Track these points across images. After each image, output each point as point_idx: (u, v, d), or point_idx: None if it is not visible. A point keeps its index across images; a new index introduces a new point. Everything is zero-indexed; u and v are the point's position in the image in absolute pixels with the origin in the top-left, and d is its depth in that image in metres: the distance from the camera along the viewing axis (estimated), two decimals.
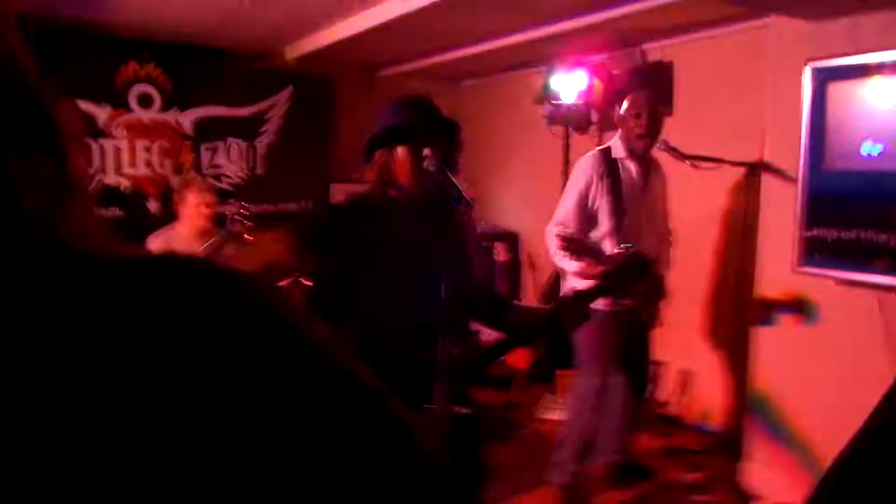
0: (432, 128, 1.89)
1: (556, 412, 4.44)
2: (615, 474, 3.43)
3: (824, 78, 2.89)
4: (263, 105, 5.05)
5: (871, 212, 2.76)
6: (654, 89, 3.42)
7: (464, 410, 1.78)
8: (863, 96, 2.77)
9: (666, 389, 4.35)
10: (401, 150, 1.88)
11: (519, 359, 4.56)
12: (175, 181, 4.56)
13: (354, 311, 1.80)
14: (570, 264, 2.97)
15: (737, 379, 3.67)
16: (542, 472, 3.35)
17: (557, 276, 4.42)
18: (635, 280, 2.05)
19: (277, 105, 5.11)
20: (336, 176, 5.40)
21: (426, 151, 1.79)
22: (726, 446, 3.71)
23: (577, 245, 2.97)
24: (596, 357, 3.11)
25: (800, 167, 3.01)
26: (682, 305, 3.62)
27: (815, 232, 2.97)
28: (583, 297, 1.96)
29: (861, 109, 2.78)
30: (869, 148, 2.75)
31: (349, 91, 5.37)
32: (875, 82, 2.72)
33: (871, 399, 0.69)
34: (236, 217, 2.53)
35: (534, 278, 5.30)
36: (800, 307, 3.11)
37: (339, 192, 5.38)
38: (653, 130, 3.05)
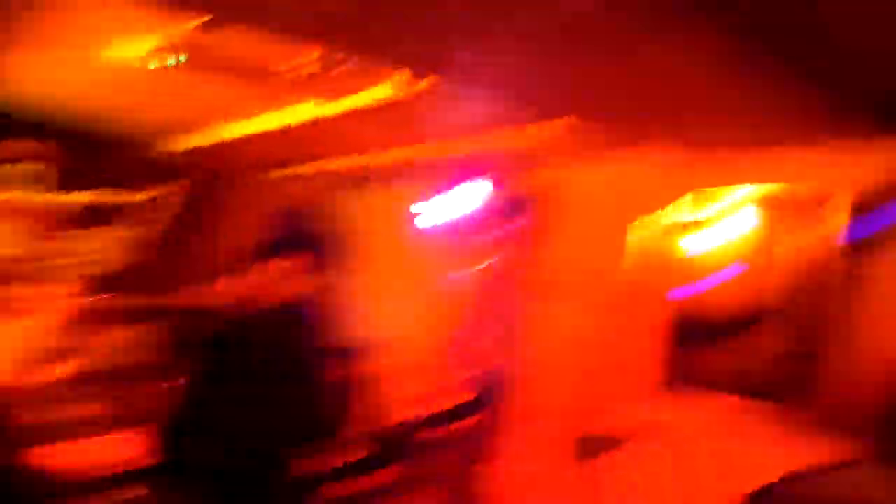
0: (303, 241, 2.02)
1: None
2: None
3: None
4: (152, 194, 5.10)
5: None
6: None
7: None
8: None
9: None
10: (273, 265, 1.98)
11: None
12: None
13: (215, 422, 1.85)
14: None
15: None
16: None
17: None
18: None
19: (168, 196, 5.17)
20: (219, 270, 5.39)
21: (295, 264, 1.91)
22: None
23: None
24: None
25: None
26: None
27: None
28: None
29: None
30: None
31: (236, 188, 5.48)
32: None
33: None
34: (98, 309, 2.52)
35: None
36: None
37: (221, 286, 5.37)
38: None
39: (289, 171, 5.26)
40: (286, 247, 1.99)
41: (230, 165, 5.29)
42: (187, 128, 4.50)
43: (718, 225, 4.49)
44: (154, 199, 5.14)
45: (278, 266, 1.99)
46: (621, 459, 3.18)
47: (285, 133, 3.92)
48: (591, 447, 3.18)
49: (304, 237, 2.04)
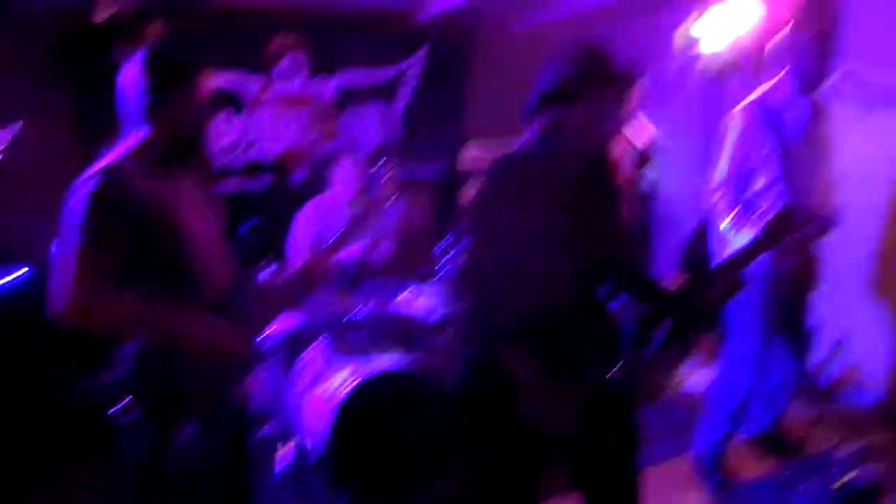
0: (610, 81, 1.76)
1: (698, 376, 4.28)
2: (763, 445, 3.29)
3: None
4: (401, 67, 5.11)
5: None
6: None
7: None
8: None
9: (819, 356, 4.06)
10: (579, 106, 1.73)
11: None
12: (321, 150, 4.78)
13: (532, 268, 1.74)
14: (740, 237, 2.77)
15: None
16: (684, 441, 3.27)
17: (698, 239, 4.21)
18: (793, 232, 1.91)
19: (413, 65, 5.15)
20: (472, 135, 5.40)
21: (606, 107, 1.69)
22: (887, 417, 3.43)
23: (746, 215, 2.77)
24: (754, 318, 2.92)
25: None
26: (840, 264, 3.32)
27: None
28: (739, 259, 1.86)
29: None
30: None
31: (483, 48, 5.30)
32: None
33: None
34: (381, 181, 2.59)
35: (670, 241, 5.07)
36: None
37: (473, 151, 5.39)
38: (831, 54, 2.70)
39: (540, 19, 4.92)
40: (588, 86, 1.73)
41: (478, 23, 5.07)
42: None
43: None
44: (405, 71, 5.14)
45: (583, 107, 1.73)
46: None
47: None
48: None
49: (606, 77, 1.75)
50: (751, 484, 2.96)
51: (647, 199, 5.08)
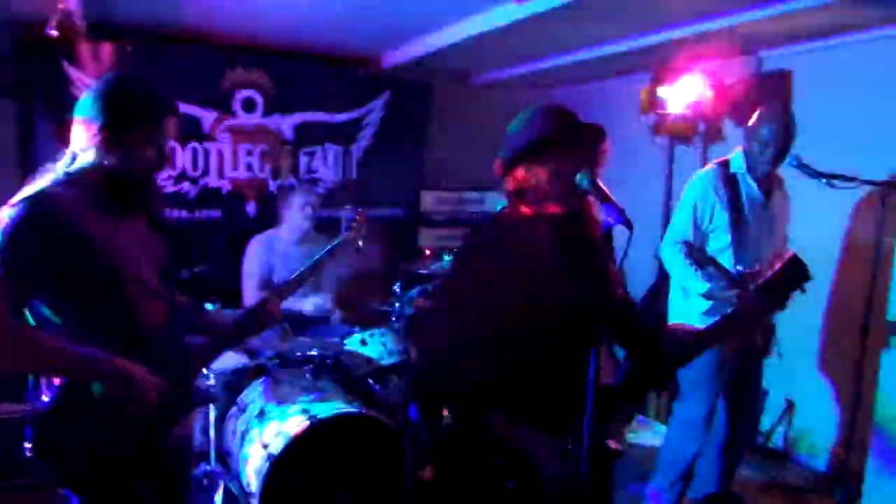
0: (581, 138, 1.73)
1: (648, 436, 4.24)
2: None
3: None
4: (361, 111, 5.09)
5: None
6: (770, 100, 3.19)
7: (613, 445, 1.65)
8: None
9: (770, 420, 4.08)
10: (547, 163, 1.67)
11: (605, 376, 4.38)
12: (273, 185, 4.67)
13: (491, 334, 1.68)
14: (698, 283, 2.79)
15: (850, 415, 3.38)
16: (636, 500, 3.20)
17: (654, 294, 4.24)
18: (795, 288, 1.88)
19: (374, 111, 5.14)
20: (428, 184, 5.39)
21: (579, 165, 1.61)
22: (835, 486, 3.43)
23: (704, 257, 2.78)
24: (707, 381, 2.93)
25: None
26: (793, 332, 3.36)
27: None
28: (741, 317, 1.84)
29: None
30: None
31: (443, 99, 5.36)
32: None
33: None
34: (353, 224, 2.50)
35: None
36: None
37: (428, 199, 5.38)
38: (784, 150, 2.83)
39: (501, 75, 5.01)
40: (560, 144, 1.68)
41: (440, 75, 5.14)
42: (397, 42, 4.35)
43: None
44: (364, 116, 5.12)
45: (556, 164, 1.67)
46: None
47: (497, 37, 3.64)
48: None
49: (576, 134, 1.71)
50: None
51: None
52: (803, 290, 1.88)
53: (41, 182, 1.59)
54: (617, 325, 1.79)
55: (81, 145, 1.61)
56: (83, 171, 1.61)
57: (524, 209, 1.72)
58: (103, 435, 1.57)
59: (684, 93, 4.16)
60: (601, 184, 1.57)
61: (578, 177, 1.59)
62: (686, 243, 2.84)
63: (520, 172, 1.71)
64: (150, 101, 1.65)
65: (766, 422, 4.07)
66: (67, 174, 1.61)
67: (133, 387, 1.55)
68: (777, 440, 4.04)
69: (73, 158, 1.62)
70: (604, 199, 1.52)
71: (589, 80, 5.33)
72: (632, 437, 4.25)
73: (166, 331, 1.71)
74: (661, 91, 4.24)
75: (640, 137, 4.70)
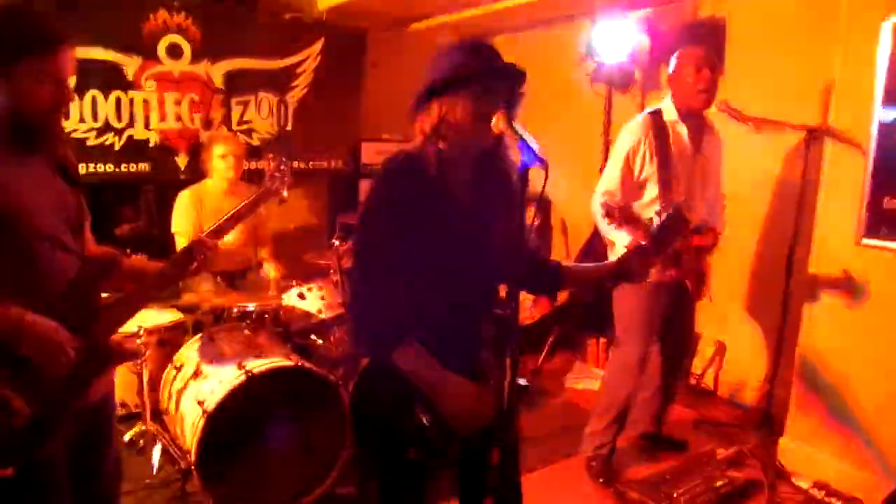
0: (499, 76, 1.65)
1: (586, 381, 4.36)
2: (647, 446, 3.36)
3: None
4: (295, 58, 4.90)
5: None
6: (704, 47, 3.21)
7: (522, 381, 1.67)
8: None
9: (701, 361, 4.24)
10: (465, 99, 1.60)
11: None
12: (204, 136, 4.48)
13: (413, 276, 1.64)
14: (618, 235, 2.82)
15: (775, 354, 3.54)
16: (573, 443, 3.29)
17: (592, 242, 4.30)
18: (676, 237, 1.95)
19: (309, 59, 4.95)
20: (366, 134, 5.27)
21: (496, 102, 1.55)
22: (761, 421, 3.61)
23: (624, 215, 2.81)
24: (639, 326, 3.01)
25: (872, 132, 2.83)
26: (723, 275, 3.47)
27: (884, 202, 2.80)
28: (641, 253, 1.88)
29: None
30: None
31: (380, 45, 5.20)
32: None
33: None
34: (275, 174, 2.41)
35: (565, 244, 5.16)
36: (857, 281, 2.97)
37: (368, 151, 5.27)
38: (712, 88, 2.86)
39: (437, 21, 4.88)
40: (476, 80, 1.61)
41: (375, 20, 4.97)
42: None
43: None
44: (298, 64, 4.94)
45: (470, 100, 1.60)
46: None
47: None
48: None
49: (495, 71, 1.65)
50: (636, 483, 3.00)
51: (546, 205, 5.16)
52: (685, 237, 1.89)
53: None
54: (519, 267, 1.78)
55: None
56: None
57: (440, 145, 1.66)
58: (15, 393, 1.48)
59: (621, 40, 4.15)
60: (517, 124, 1.54)
61: (495, 117, 1.54)
62: (606, 202, 2.81)
63: (435, 108, 1.64)
64: (37, 30, 1.50)
65: (697, 364, 4.23)
66: None
67: (45, 343, 1.47)
68: (708, 381, 4.21)
69: None
70: (520, 138, 1.49)
71: (529, 28, 5.26)
72: (571, 383, 4.37)
73: (78, 284, 1.61)
74: (598, 39, 4.22)
75: (579, 86, 4.69)
